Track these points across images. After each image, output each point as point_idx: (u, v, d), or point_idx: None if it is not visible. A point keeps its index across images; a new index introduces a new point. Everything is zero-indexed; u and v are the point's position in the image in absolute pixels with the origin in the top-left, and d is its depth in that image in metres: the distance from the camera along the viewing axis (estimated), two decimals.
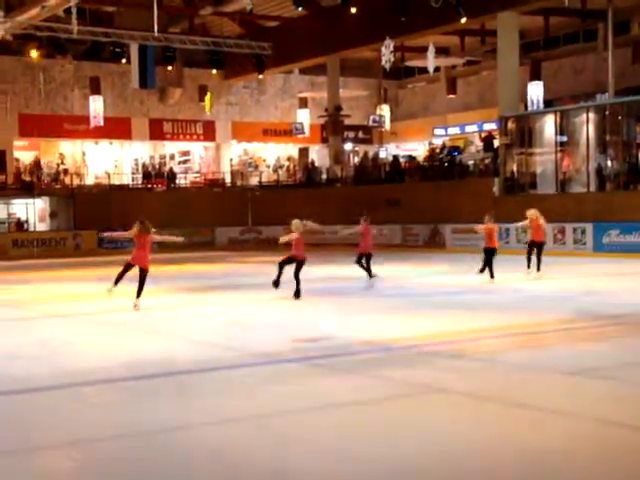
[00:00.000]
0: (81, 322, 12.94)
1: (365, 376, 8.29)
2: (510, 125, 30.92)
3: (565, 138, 29.83)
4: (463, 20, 29.93)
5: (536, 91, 34.59)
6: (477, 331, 10.87)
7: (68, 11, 29.37)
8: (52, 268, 24.81)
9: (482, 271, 17.21)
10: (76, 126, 39.25)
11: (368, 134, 46.07)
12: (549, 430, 6.16)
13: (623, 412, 6.67)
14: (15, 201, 36.63)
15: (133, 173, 42.07)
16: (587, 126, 28.42)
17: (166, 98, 41.69)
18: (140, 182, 40.69)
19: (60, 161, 40.64)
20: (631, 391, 7.45)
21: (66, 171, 39.67)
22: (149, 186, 39.83)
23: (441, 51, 36.64)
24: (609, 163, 28.62)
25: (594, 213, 26.29)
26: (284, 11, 38.23)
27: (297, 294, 14.74)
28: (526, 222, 18.46)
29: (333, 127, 39.88)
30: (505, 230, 25.92)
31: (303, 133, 41.30)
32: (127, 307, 13.80)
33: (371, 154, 43.00)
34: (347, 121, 41.15)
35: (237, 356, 9.57)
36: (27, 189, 35.68)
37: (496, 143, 32.74)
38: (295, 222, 14.89)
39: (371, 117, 40.89)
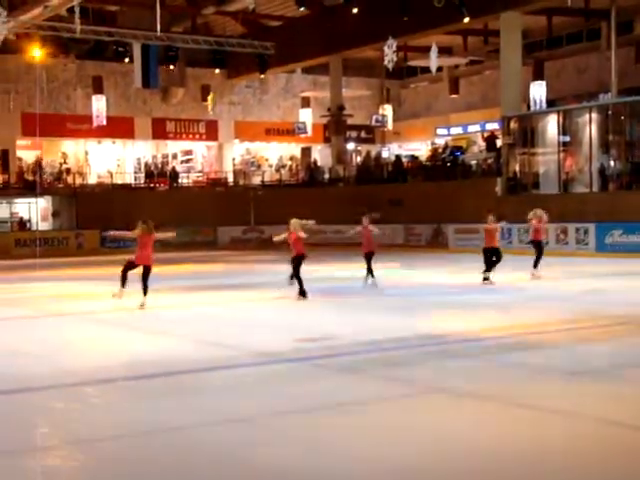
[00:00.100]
0: (82, 321, 12.93)
1: (366, 376, 8.28)
2: (513, 125, 30.90)
3: (568, 138, 29.80)
4: (466, 20, 29.94)
5: (539, 91, 34.56)
6: (478, 331, 10.85)
7: (71, 10, 29.38)
8: (54, 267, 24.83)
9: (488, 272, 17.06)
10: (79, 125, 39.28)
11: (370, 134, 46.05)
12: (549, 430, 6.15)
13: (624, 412, 6.65)
14: (18, 200, 36.66)
15: (136, 172, 42.09)
16: (590, 126, 28.40)
17: (169, 97, 41.71)
18: (143, 181, 40.73)
19: (63, 160, 40.68)
20: (632, 391, 7.44)
21: (69, 170, 39.71)
22: (152, 185, 39.87)
23: (444, 51, 36.61)
24: (612, 163, 28.59)
25: (597, 213, 26.26)
26: (287, 10, 38.25)
27: (303, 293, 14.66)
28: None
29: (336, 127, 39.88)
30: (507, 230, 25.90)
31: (305, 133, 41.29)
32: (128, 307, 13.81)
33: (373, 154, 42.99)
34: (350, 121, 41.14)
35: (238, 356, 9.56)
36: (30, 188, 35.70)
37: (499, 143, 32.72)
38: (293, 221, 14.90)
39: (374, 117, 40.88)
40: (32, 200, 35.71)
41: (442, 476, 5.27)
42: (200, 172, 43.52)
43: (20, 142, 39.12)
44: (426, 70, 36.17)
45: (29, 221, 36.41)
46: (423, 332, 10.84)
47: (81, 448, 5.95)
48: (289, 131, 42.75)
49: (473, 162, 34.80)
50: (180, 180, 40.76)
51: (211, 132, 43.20)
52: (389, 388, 7.74)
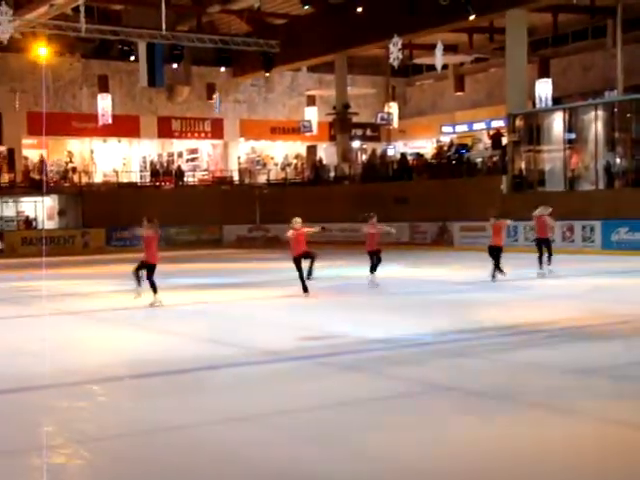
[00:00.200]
0: (87, 320, 12.96)
1: (369, 374, 8.28)
2: (518, 122, 30.84)
3: (574, 135, 29.73)
4: (471, 17, 29.86)
5: (544, 88, 34.45)
6: (482, 330, 10.84)
7: (76, 9, 29.46)
8: (60, 266, 24.87)
9: (499, 270, 16.99)
10: (84, 124, 39.32)
11: (376, 132, 45.99)
12: (549, 430, 6.13)
13: (626, 411, 6.64)
14: (24, 199, 36.72)
15: (141, 171, 42.12)
16: (596, 123, 28.33)
17: (174, 96, 41.73)
18: (148, 180, 40.75)
19: (69, 159, 40.74)
20: (635, 389, 7.42)
21: (74, 169, 39.77)
22: (157, 184, 39.90)
23: (449, 48, 36.48)
24: (618, 160, 28.50)
25: (602, 211, 26.19)
26: (292, 9, 38.23)
27: (305, 289, 14.95)
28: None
29: (341, 125, 39.84)
30: (513, 228, 25.84)
31: (311, 131, 41.25)
32: (132, 305, 13.84)
33: (379, 152, 42.93)
34: (355, 119, 41.09)
35: (241, 354, 9.57)
36: (36, 187, 35.76)
37: (504, 141, 32.65)
38: (295, 220, 15.10)
39: (379, 115, 40.81)
40: (38, 199, 35.77)
41: (443, 476, 5.26)
42: (205, 170, 43.54)
43: (26, 141, 39.18)
44: (431, 68, 36.09)
45: (35, 220, 36.47)
46: (426, 330, 10.83)
47: (85, 447, 5.96)
48: (294, 129, 42.70)
49: (478, 160, 34.72)
50: (186, 179, 40.79)
51: (216, 130, 43.21)
52: (392, 387, 7.73)
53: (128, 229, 20.29)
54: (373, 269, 16.72)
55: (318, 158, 43.16)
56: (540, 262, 18.04)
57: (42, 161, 38.07)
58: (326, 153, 44.26)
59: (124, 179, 39.95)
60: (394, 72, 38.57)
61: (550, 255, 18.05)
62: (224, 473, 5.42)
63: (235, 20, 40.32)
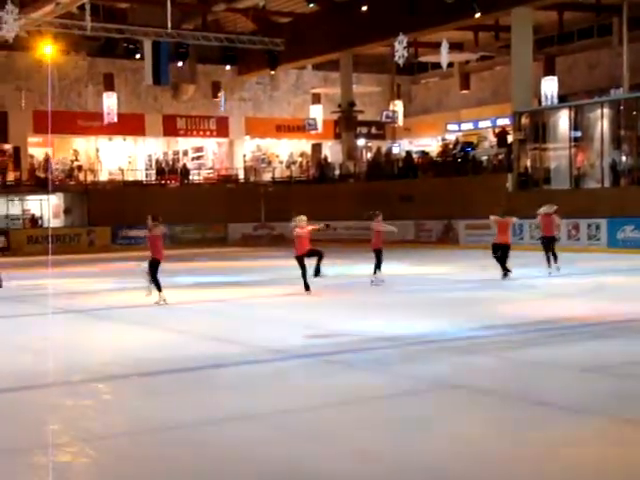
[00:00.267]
0: (92, 318, 12.98)
1: (375, 372, 8.27)
2: (524, 120, 30.79)
3: (579, 133, 29.68)
4: (477, 15, 29.82)
5: (550, 86, 34.39)
6: (489, 327, 10.82)
7: (82, 8, 29.47)
8: (66, 264, 24.91)
9: (507, 271, 16.97)
10: (90, 122, 39.37)
11: (381, 130, 45.93)
12: (551, 430, 6.12)
13: (628, 410, 6.62)
14: (29, 197, 36.79)
15: (147, 169, 42.15)
16: (601, 121, 28.27)
17: (179, 94, 41.76)
18: (154, 178, 40.79)
19: (74, 157, 40.79)
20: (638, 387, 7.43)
21: (80, 167, 39.82)
22: (162, 182, 39.93)
23: (455, 46, 36.46)
24: (623, 158, 28.46)
25: (608, 209, 26.14)
26: (297, 7, 38.24)
27: (306, 287, 15.10)
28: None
29: (346, 123, 39.82)
30: (519, 226, 25.80)
31: (316, 129, 41.25)
32: (137, 304, 13.85)
33: (384, 150, 42.87)
34: (360, 117, 41.06)
35: (247, 352, 9.57)
36: (41, 185, 35.82)
37: (510, 138, 32.60)
38: (299, 217, 15.16)
39: (384, 113, 40.79)
40: (44, 197, 35.85)
41: (447, 474, 5.26)
42: (211, 169, 43.57)
43: (31, 139, 39.25)
44: (437, 66, 36.08)
45: (41, 218, 36.55)
46: (431, 328, 10.82)
47: (90, 445, 5.97)
48: (300, 127, 42.71)
49: (484, 158, 34.66)
50: (191, 177, 40.82)
51: (222, 129, 43.24)
52: (397, 384, 7.73)
53: (130, 230, 20.28)
54: (378, 267, 16.72)
55: (323, 156, 43.15)
56: (548, 261, 18.02)
57: (48, 159, 38.12)
58: (331, 151, 44.25)
59: (129, 177, 39.99)
60: (399, 70, 38.55)
61: (554, 255, 18.02)
62: (228, 471, 5.42)
63: (240, 18, 40.34)
